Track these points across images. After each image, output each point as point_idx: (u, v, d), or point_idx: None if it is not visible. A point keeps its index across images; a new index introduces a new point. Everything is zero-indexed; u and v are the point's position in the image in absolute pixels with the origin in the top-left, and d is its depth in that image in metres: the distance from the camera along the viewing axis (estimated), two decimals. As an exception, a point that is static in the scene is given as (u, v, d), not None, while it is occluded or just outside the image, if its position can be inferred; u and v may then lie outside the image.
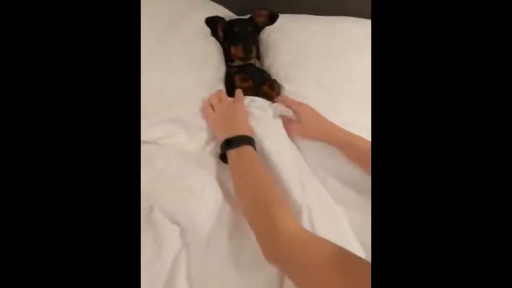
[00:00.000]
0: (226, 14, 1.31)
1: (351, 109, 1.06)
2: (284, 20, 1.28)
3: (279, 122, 0.99)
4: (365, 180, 0.83)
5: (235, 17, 1.32)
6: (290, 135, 0.99)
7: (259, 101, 1.03)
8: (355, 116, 1.03)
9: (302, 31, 1.25)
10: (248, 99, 1.03)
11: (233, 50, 1.22)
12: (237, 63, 1.23)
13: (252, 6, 1.30)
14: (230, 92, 1.08)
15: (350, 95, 1.10)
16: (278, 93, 1.16)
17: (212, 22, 1.22)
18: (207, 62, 1.16)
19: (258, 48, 1.28)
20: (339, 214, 0.85)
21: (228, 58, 1.24)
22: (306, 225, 0.74)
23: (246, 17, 1.29)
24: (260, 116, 0.97)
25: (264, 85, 1.16)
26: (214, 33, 1.22)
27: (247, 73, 1.18)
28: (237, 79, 1.15)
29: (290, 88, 1.16)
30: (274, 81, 1.19)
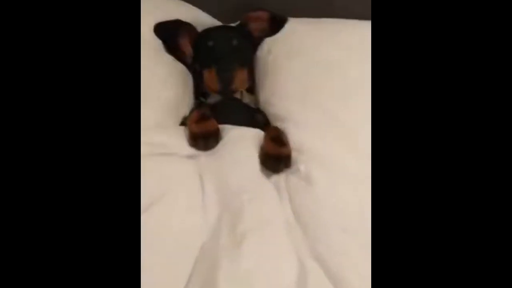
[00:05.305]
0: (205, 20, 0.85)
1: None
2: (294, 27, 0.78)
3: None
4: None
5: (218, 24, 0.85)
6: None
7: None
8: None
9: (321, 45, 0.75)
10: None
11: (206, 76, 0.75)
12: (213, 98, 0.76)
13: (242, 9, 0.83)
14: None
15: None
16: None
17: (168, 30, 0.77)
18: (159, 95, 0.73)
19: (252, 74, 0.78)
20: None
21: (200, 89, 0.79)
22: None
23: (234, 24, 0.82)
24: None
25: (266, 141, 0.66)
26: (172, 49, 0.76)
27: (226, 115, 0.71)
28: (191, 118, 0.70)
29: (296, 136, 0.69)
30: (276, 129, 0.69)
